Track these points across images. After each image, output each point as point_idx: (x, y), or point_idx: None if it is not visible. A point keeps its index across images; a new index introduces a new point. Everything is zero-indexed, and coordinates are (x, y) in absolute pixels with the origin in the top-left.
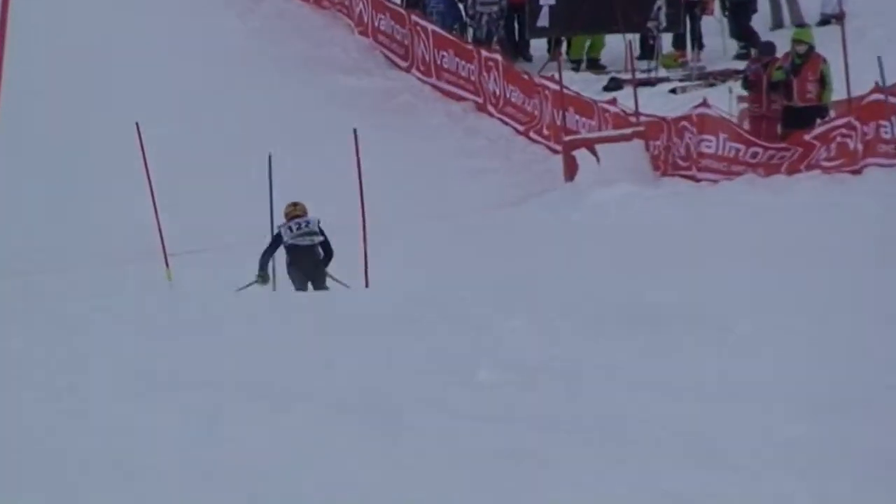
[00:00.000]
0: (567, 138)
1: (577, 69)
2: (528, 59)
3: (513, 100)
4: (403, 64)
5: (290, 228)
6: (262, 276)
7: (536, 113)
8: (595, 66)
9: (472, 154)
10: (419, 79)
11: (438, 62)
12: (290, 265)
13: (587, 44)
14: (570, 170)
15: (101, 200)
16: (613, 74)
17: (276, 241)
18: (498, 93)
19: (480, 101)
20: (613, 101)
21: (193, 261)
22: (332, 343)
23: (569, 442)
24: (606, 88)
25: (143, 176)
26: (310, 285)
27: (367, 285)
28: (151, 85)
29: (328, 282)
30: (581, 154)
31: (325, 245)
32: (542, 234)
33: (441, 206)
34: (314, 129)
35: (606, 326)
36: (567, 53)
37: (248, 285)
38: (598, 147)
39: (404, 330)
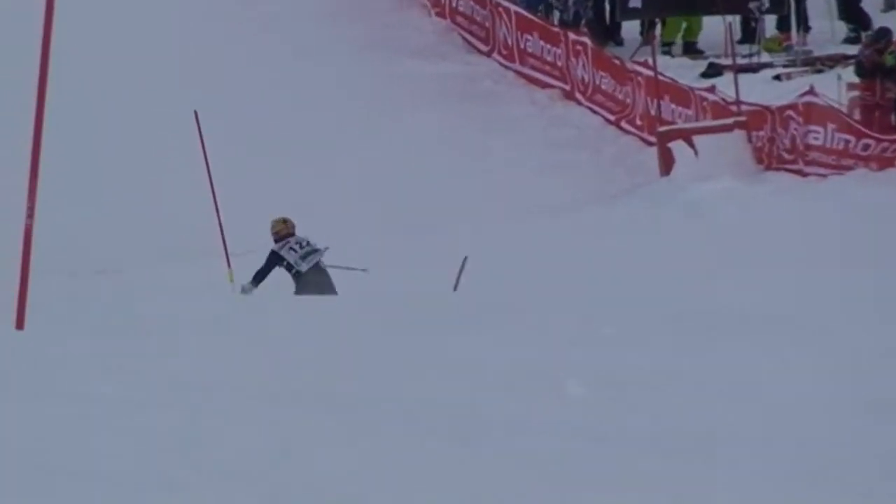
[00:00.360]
0: (662, 129)
1: (672, 54)
2: (620, 42)
3: (603, 87)
4: (484, 48)
5: (294, 250)
6: (249, 289)
7: (628, 101)
8: (692, 50)
9: (558, 146)
10: (501, 64)
11: (522, 46)
12: (303, 289)
13: (683, 26)
14: (666, 163)
15: (160, 196)
16: (712, 60)
17: (274, 261)
18: (587, 79)
19: (568, 88)
20: (712, 89)
21: (257, 261)
22: (406, 351)
23: (667, 461)
24: (704, 75)
25: (203, 170)
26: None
27: (455, 289)
28: (210, 74)
29: (336, 272)
30: (677, 146)
31: None
32: (635, 233)
33: (525, 202)
34: (386, 119)
35: (707, 334)
36: (661, 37)
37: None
38: (695, 139)
39: (487, 339)
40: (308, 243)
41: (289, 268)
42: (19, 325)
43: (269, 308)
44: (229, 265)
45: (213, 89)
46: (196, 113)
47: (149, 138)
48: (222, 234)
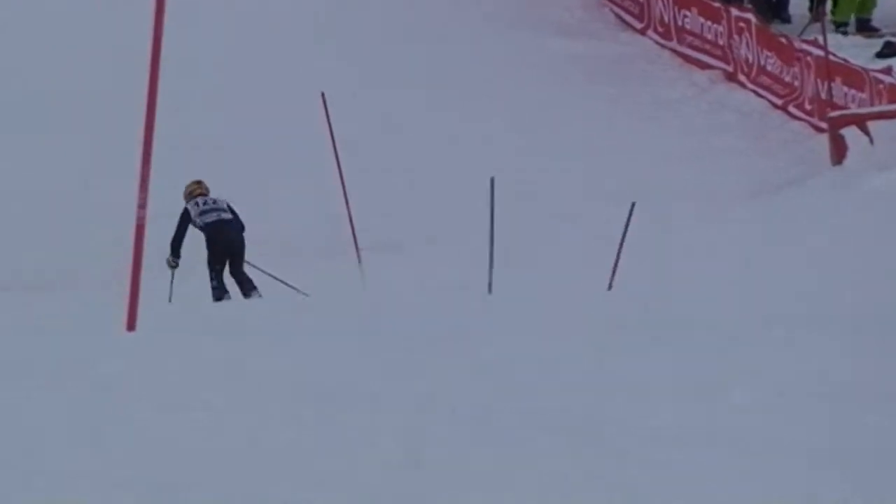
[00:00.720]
0: (833, 114)
1: (844, 32)
2: (787, 19)
3: (768, 68)
4: (638, 25)
5: (197, 204)
6: (174, 262)
7: (796, 84)
8: (866, 28)
9: (719, 132)
10: (657, 43)
11: (680, 23)
12: (210, 242)
13: (857, 2)
14: (838, 151)
15: (287, 185)
16: (889, 38)
17: (185, 218)
18: (751, 60)
19: (730, 69)
20: (888, 71)
21: (389, 257)
22: (552, 352)
23: (841, 481)
24: (880, 55)
25: (329, 158)
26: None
27: (609, 287)
28: (337, 53)
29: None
30: (850, 133)
31: (238, 221)
32: (804, 226)
33: (683, 192)
34: (529, 102)
35: (884, 340)
36: (832, 13)
37: (171, 286)
38: (870, 125)
39: (643, 341)
40: (215, 202)
41: (192, 223)
42: (130, 325)
43: (402, 310)
44: (359, 260)
45: (347, 69)
46: (323, 95)
47: (270, 123)
48: (352, 226)
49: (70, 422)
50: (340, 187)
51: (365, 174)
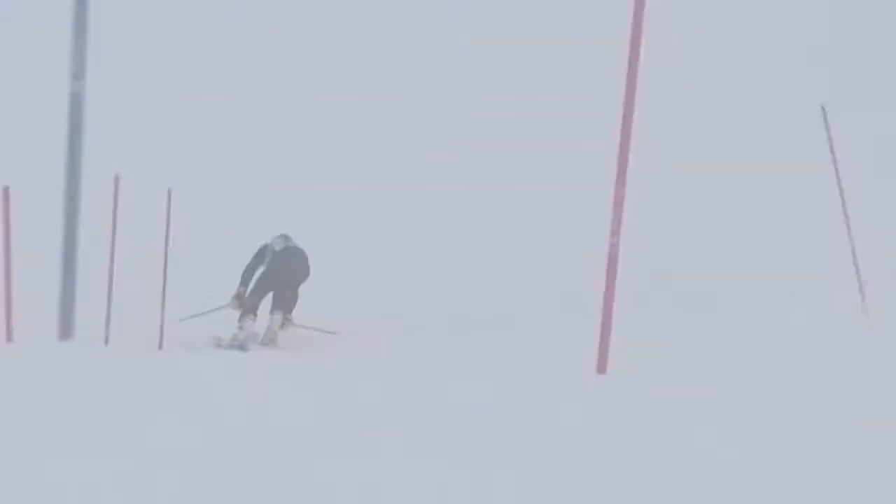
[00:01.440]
0: None
1: None
2: None
3: None
4: None
5: (281, 237)
6: (237, 299)
7: None
8: None
9: None
10: None
11: None
12: (272, 269)
13: None
14: None
15: (773, 211)
16: None
17: (263, 253)
18: None
19: None
20: None
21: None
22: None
23: None
24: None
25: (830, 180)
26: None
27: None
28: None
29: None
30: None
31: (306, 264)
32: None
33: None
34: None
35: None
36: None
37: (204, 312)
38: None
39: None
40: (295, 243)
41: (269, 251)
42: (601, 368)
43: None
44: (863, 296)
45: (844, 84)
46: (823, 109)
47: (762, 141)
48: (854, 257)
49: (523, 481)
50: (843, 212)
51: (869, 197)
